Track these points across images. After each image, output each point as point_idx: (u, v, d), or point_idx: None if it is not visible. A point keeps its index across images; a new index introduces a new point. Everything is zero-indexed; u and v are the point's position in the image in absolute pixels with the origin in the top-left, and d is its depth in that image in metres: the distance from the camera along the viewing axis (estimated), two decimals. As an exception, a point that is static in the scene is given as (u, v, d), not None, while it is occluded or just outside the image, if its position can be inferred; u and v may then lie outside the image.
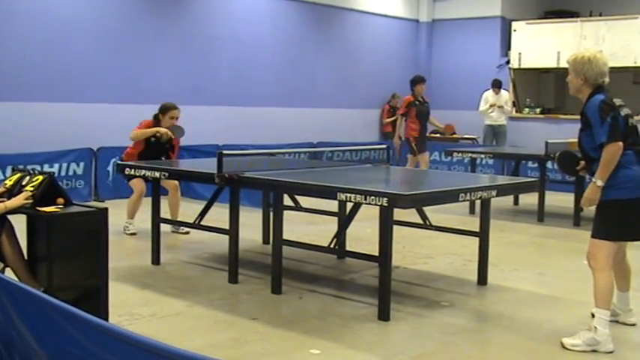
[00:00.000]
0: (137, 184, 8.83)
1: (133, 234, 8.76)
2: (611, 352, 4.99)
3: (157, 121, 8.77)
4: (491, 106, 15.02)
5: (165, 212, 7.92)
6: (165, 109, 8.84)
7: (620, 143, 4.98)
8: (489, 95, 15.11)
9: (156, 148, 8.67)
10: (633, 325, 5.62)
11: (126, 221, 8.89)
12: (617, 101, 5.18)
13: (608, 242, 5.11)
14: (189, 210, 8.35)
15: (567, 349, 5.07)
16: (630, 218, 5.09)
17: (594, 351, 5.02)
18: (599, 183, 5.05)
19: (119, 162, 8.33)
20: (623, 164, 5.02)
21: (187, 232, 8.80)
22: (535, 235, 9.66)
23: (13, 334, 3.39)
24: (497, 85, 15.30)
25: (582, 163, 5.42)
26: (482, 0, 17.65)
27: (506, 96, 15.41)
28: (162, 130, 8.61)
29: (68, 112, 11.68)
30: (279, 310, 6.00)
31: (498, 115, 15.18)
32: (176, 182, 8.88)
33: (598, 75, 5.18)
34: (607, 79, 5.24)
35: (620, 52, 15.42)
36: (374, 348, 5.15)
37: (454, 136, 16.92)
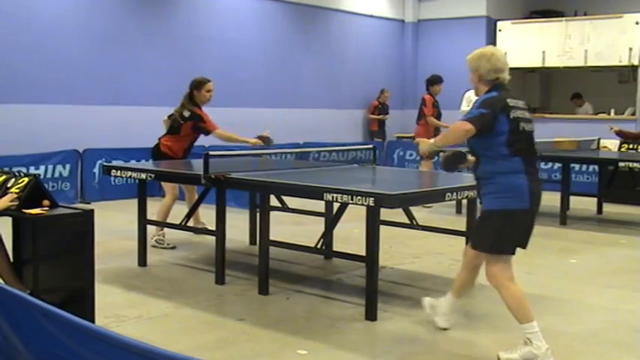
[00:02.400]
0: (170, 186, 8.35)
1: (173, 247, 8.16)
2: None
3: (192, 98, 8.34)
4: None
5: (151, 214, 7.90)
6: (198, 84, 8.42)
7: (473, 128, 4.67)
8: (472, 94, 15.09)
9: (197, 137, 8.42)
10: (445, 329, 5.47)
11: (157, 235, 8.19)
12: (513, 102, 4.87)
13: (500, 256, 4.88)
14: (175, 211, 8.32)
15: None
16: (513, 229, 4.84)
17: None
18: (433, 142, 5.11)
19: (105, 163, 8.23)
20: (508, 172, 4.74)
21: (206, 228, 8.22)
22: (521, 234, 9.67)
23: (-1, 337, 3.37)
24: None
25: (471, 159, 5.07)
26: (468, 0, 17.69)
27: None
28: (253, 140, 8.35)
29: (54, 113, 11.63)
30: (266, 310, 5.99)
31: None
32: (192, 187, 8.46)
33: (491, 71, 4.92)
34: (503, 76, 4.97)
35: (606, 52, 15.50)
36: (361, 348, 5.16)
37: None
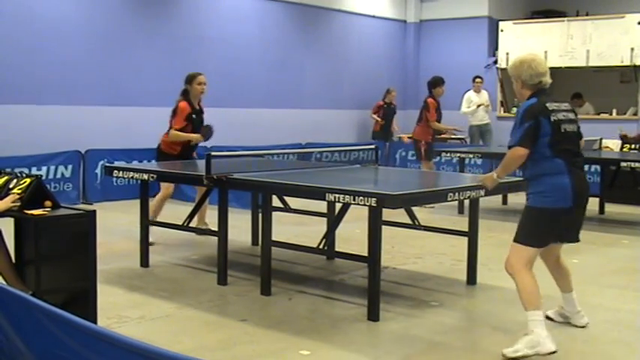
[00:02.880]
0: (169, 186, 8.59)
1: (151, 244, 7.94)
2: (554, 352, 4.84)
3: (187, 93, 8.56)
4: (478, 106, 14.98)
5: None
6: (191, 78, 8.61)
7: (526, 151, 4.95)
8: (472, 95, 15.05)
9: (197, 129, 8.53)
10: (584, 327, 5.56)
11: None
12: (554, 105, 5.05)
13: (526, 247, 5.08)
14: (177, 212, 8.33)
15: (510, 356, 4.89)
16: (554, 226, 5.08)
17: (537, 353, 4.86)
18: (495, 176, 5.28)
19: (107, 164, 8.25)
20: (551, 172, 4.99)
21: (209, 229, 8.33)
22: (524, 234, 9.66)
23: (1, 337, 3.38)
24: (479, 80, 15.27)
25: None
26: (470, 0, 17.68)
27: (486, 94, 15.38)
28: (195, 136, 8.50)
29: (56, 114, 11.64)
30: (268, 311, 5.99)
31: (484, 114, 15.14)
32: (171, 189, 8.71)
33: (533, 76, 5.11)
34: (545, 80, 5.15)
35: (607, 52, 15.48)
36: (363, 348, 5.16)
37: (442, 136, 16.93)
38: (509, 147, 5.05)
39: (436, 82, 12.21)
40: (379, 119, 16.24)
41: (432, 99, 12.09)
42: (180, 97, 8.59)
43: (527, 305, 4.99)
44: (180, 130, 8.44)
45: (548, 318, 5.68)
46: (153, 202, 8.34)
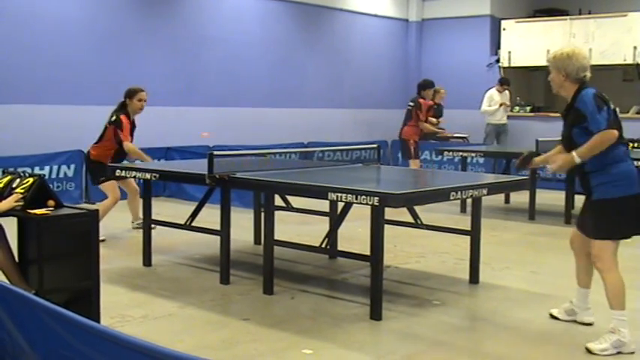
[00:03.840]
0: (114, 189, 8.65)
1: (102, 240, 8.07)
2: (632, 353, 5.00)
3: (125, 107, 8.75)
4: (500, 105, 14.90)
5: (156, 214, 7.90)
6: (132, 93, 8.77)
7: (616, 132, 4.96)
8: (494, 94, 14.95)
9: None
10: (590, 324, 5.59)
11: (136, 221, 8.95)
12: (605, 95, 5.15)
13: (610, 242, 5.09)
14: (180, 211, 8.34)
15: (596, 354, 4.98)
16: (629, 215, 5.05)
17: (619, 352, 5.00)
18: (577, 160, 5.06)
19: (110, 164, 8.25)
20: (616, 160, 5.02)
21: (154, 227, 8.49)
22: (526, 233, 9.69)
23: (5, 336, 3.38)
24: (507, 83, 15.20)
25: (538, 159, 5.56)
26: (472, -1, 17.69)
27: (508, 94, 15.34)
28: (149, 159, 8.72)
29: (58, 114, 11.64)
30: (271, 310, 6.00)
31: (503, 114, 15.07)
32: (135, 186, 9.01)
33: (579, 69, 5.19)
34: (589, 74, 5.25)
35: (610, 50, 15.47)
36: (366, 347, 5.16)
37: (445, 134, 16.92)
38: (597, 131, 4.94)
39: (426, 85, 12.25)
40: (436, 120, 15.69)
41: (425, 101, 12.11)
42: (119, 110, 8.75)
43: (615, 305, 5.07)
44: (108, 149, 8.66)
45: (552, 317, 5.71)
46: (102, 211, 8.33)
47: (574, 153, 5.05)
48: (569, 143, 5.21)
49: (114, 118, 8.66)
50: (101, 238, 7.92)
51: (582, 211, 5.39)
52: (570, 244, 5.56)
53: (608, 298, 5.10)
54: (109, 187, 8.60)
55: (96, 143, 8.79)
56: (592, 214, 5.16)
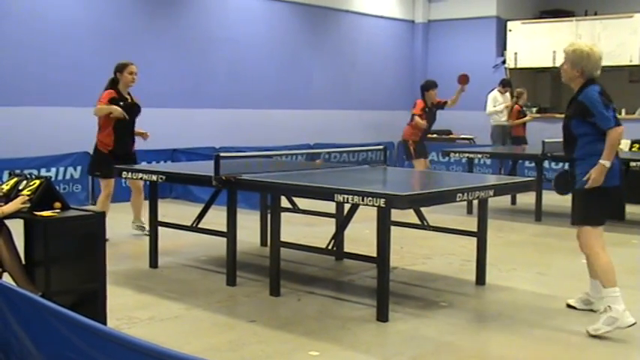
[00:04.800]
0: (107, 184, 8.67)
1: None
2: (633, 324, 5.23)
3: (115, 83, 8.63)
4: (506, 106, 14.84)
5: (162, 215, 7.91)
6: (122, 67, 8.67)
7: (622, 127, 5.32)
8: (497, 95, 14.89)
9: (126, 122, 8.56)
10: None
11: (137, 221, 8.93)
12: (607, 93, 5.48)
13: (593, 228, 5.47)
14: (187, 213, 8.34)
15: (593, 335, 5.26)
16: (607, 204, 5.47)
17: (618, 328, 5.25)
18: (607, 164, 5.32)
19: (116, 165, 8.25)
20: (601, 153, 5.33)
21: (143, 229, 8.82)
22: (533, 234, 9.67)
23: (12, 338, 3.38)
24: (509, 85, 15.15)
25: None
26: (478, 0, 17.66)
27: (509, 96, 15.29)
28: (114, 108, 8.44)
29: (65, 116, 11.66)
30: (277, 312, 5.99)
31: (507, 114, 14.99)
32: (140, 185, 8.87)
33: (594, 68, 5.52)
34: (599, 72, 5.57)
35: (616, 51, 15.43)
36: (373, 349, 5.15)
37: (451, 136, 16.92)
38: (608, 129, 5.31)
39: (429, 86, 12.20)
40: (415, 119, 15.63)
41: (422, 101, 12.08)
42: (107, 86, 8.64)
43: (605, 282, 5.34)
44: (106, 135, 8.57)
45: (569, 306, 5.98)
46: (99, 202, 8.71)
47: (601, 161, 5.33)
48: (567, 132, 5.57)
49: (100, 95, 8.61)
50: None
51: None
52: (577, 239, 5.74)
53: (599, 277, 5.41)
54: (104, 181, 8.67)
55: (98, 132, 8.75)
56: (574, 201, 5.60)
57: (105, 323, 4.96)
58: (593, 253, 5.44)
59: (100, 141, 8.65)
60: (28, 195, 5.13)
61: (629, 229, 9.91)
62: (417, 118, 11.89)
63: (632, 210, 11.41)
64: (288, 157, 9.50)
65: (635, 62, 15.38)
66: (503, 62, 17.09)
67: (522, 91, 14.75)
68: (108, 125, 8.55)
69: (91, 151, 8.99)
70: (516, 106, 14.40)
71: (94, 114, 8.58)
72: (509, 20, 17.20)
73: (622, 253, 8.47)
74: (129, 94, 8.75)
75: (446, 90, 12.55)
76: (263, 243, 8.29)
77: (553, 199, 11.58)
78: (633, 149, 12.46)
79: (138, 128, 8.86)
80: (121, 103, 8.53)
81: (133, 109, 8.69)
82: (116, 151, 8.56)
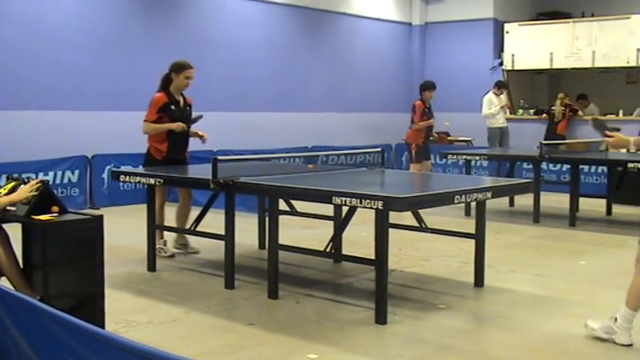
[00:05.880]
0: (157, 192, 7.83)
1: (171, 256, 7.97)
2: (629, 346, 5.11)
3: (168, 82, 7.96)
4: (501, 107, 14.87)
5: (168, 221, 7.91)
6: (179, 67, 7.94)
7: None
8: (492, 98, 14.92)
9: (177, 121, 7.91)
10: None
11: (158, 242, 7.81)
12: None
13: None
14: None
15: (585, 326, 5.29)
16: None
17: (612, 341, 5.17)
18: (632, 148, 5.39)
19: (114, 169, 8.23)
20: None
21: (197, 252, 8.13)
22: (531, 236, 9.67)
23: (9, 343, 3.38)
24: (504, 86, 15.18)
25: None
26: (475, 2, 17.66)
27: (504, 96, 15.34)
28: (175, 125, 7.84)
29: (62, 119, 11.66)
30: (275, 315, 5.99)
31: (503, 116, 15.04)
32: (187, 197, 8.23)
33: None
34: None
35: (613, 53, 15.45)
36: (371, 351, 5.15)
37: (449, 138, 16.94)
38: None
39: (427, 86, 12.24)
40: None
41: (421, 102, 12.11)
42: (160, 87, 8.02)
43: (628, 302, 5.12)
44: (160, 142, 7.97)
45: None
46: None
47: (632, 139, 5.26)
48: None
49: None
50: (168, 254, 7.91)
51: None
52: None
53: (627, 294, 5.18)
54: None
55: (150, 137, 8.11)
56: None
57: (103, 327, 4.95)
58: (637, 271, 5.14)
59: (154, 147, 8.06)
60: (25, 198, 5.12)
61: (627, 231, 9.92)
62: (420, 124, 11.96)
63: (629, 211, 11.45)
64: (285, 159, 9.49)
65: (632, 64, 15.38)
66: (501, 64, 17.09)
67: (562, 96, 15.25)
68: (162, 140, 8.01)
69: (90, 155, 9.05)
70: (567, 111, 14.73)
71: (146, 133, 7.97)
72: (506, 22, 17.20)
73: (620, 255, 8.48)
74: (181, 94, 8.12)
75: (443, 91, 12.60)
76: (261, 246, 8.28)
77: (551, 201, 11.62)
78: (631, 151, 12.45)
79: (195, 129, 8.31)
80: (173, 107, 7.96)
81: (186, 112, 8.14)
82: (170, 157, 8.02)
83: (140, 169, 8.15)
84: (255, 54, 14.66)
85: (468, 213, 10.68)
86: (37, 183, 5.15)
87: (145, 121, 8.00)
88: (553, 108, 15.24)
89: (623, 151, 12.84)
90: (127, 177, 7.51)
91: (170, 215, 8.29)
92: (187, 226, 7.83)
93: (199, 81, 13.45)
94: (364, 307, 6.05)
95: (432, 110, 12.24)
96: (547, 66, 16.41)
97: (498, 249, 8.42)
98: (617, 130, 5.70)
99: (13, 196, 5.10)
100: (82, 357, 2.88)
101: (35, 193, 5.08)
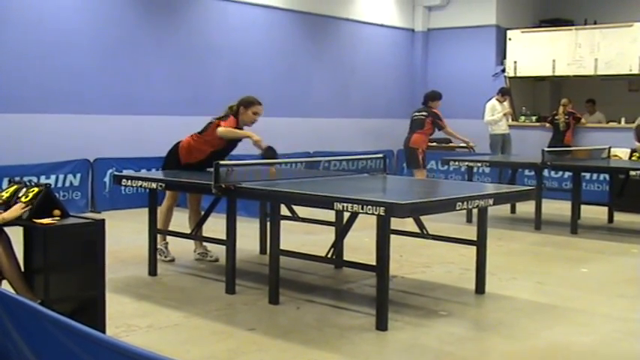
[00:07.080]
0: (172, 195, 8.01)
1: (171, 260, 7.97)
2: None
3: (235, 115, 7.93)
4: (504, 114, 14.87)
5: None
6: (248, 103, 7.95)
7: None
8: (496, 104, 14.91)
9: (225, 153, 7.97)
10: None
11: (159, 244, 7.80)
12: None
13: None
14: (186, 221, 8.33)
15: None
16: None
17: None
18: None
19: (116, 173, 8.21)
20: None
21: (217, 260, 7.93)
22: (532, 243, 9.66)
23: (10, 346, 3.38)
24: (507, 93, 15.18)
25: None
26: (477, 9, 17.67)
27: (507, 103, 15.34)
28: (257, 138, 7.70)
29: (64, 123, 11.66)
30: (276, 320, 5.98)
31: (505, 123, 15.04)
32: (196, 202, 8.24)
33: None
34: None
35: (615, 60, 15.45)
36: (371, 358, 5.14)
37: (451, 144, 16.92)
38: None
39: (435, 96, 12.28)
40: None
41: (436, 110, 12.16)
42: (230, 113, 7.98)
43: None
44: (204, 145, 7.92)
45: None
46: (160, 216, 7.94)
47: None
48: None
49: (223, 114, 7.93)
50: (169, 258, 7.95)
51: None
52: None
53: None
54: (169, 192, 7.94)
55: (198, 133, 8.10)
56: None
57: (104, 331, 4.95)
58: None
59: (188, 153, 8.07)
60: (25, 203, 5.13)
61: (629, 238, 9.92)
62: (450, 131, 12.06)
63: (631, 219, 11.44)
64: (287, 165, 9.48)
65: (634, 71, 15.37)
66: (503, 71, 17.09)
67: (567, 102, 15.20)
68: (207, 149, 7.95)
69: (92, 159, 9.07)
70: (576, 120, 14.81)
71: (223, 135, 7.77)
72: (508, 29, 17.21)
73: (622, 262, 8.48)
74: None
75: (445, 98, 12.58)
76: (262, 251, 8.28)
77: (552, 208, 11.61)
78: (633, 158, 12.47)
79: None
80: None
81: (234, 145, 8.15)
82: (192, 165, 7.96)
83: (142, 173, 8.16)
84: (257, 59, 14.67)
85: (469, 220, 10.68)
86: (26, 205, 5.13)
87: (218, 130, 7.81)
88: (557, 117, 15.23)
89: (621, 157, 12.86)
90: (129, 181, 7.50)
91: (177, 221, 8.27)
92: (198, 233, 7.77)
93: (202, 86, 13.50)
94: (365, 314, 6.05)
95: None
96: (549, 73, 16.42)
97: (500, 256, 8.41)
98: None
99: (5, 215, 5.10)
100: (83, 361, 2.88)
101: (28, 208, 5.08)
